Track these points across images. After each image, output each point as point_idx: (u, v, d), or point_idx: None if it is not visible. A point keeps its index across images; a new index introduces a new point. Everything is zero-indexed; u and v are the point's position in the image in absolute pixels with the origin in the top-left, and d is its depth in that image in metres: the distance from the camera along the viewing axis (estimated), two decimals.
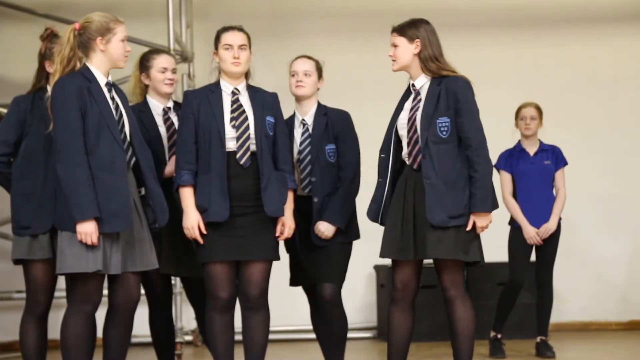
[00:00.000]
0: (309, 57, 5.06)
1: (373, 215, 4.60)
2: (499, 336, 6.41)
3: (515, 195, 6.43)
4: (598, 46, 8.14)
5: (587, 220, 7.97)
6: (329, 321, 4.95)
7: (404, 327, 4.54)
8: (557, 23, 8.14)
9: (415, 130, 4.44)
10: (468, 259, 4.40)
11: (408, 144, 4.47)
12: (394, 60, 4.56)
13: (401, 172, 4.55)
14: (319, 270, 4.90)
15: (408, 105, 4.55)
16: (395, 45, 4.54)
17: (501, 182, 6.47)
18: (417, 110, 4.47)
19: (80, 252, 4.13)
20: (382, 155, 4.59)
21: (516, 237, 6.40)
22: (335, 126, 4.99)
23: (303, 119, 5.00)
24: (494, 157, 6.51)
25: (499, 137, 6.90)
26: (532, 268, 6.52)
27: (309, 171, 4.92)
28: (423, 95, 4.49)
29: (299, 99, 5.01)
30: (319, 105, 5.04)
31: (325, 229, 4.85)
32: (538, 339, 6.39)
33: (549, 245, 6.36)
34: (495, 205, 4.51)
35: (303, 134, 4.97)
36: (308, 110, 5.02)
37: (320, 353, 5.11)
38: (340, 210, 4.87)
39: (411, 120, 4.46)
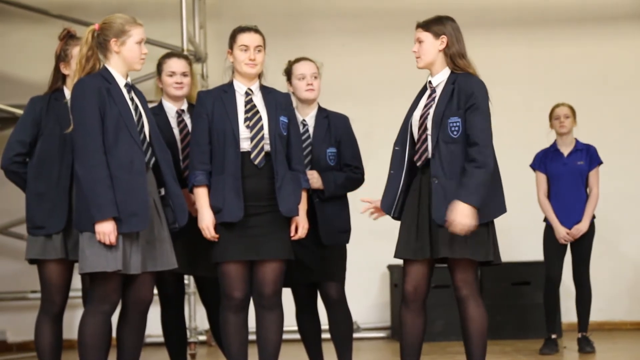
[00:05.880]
0: (311, 60, 5.06)
1: (387, 207, 4.52)
2: (553, 336, 6.51)
3: (549, 196, 6.53)
4: (613, 45, 8.11)
5: (601, 221, 7.93)
6: (335, 320, 4.96)
7: (417, 328, 4.49)
8: (571, 22, 8.12)
9: (425, 129, 4.39)
10: (479, 258, 4.34)
11: (417, 141, 4.43)
12: (418, 57, 4.46)
13: (416, 169, 4.50)
14: (323, 269, 4.90)
15: (422, 102, 4.49)
16: (420, 41, 4.45)
17: (536, 182, 6.60)
18: (430, 108, 4.41)
19: (100, 252, 4.14)
20: (397, 148, 4.52)
21: (549, 235, 6.53)
22: (338, 130, 5.00)
23: (304, 120, 5.00)
24: (505, 156, 6.56)
25: (512, 135, 6.92)
26: (545, 267, 6.55)
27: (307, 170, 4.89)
28: (438, 92, 4.43)
29: (306, 102, 5.00)
30: (320, 108, 5.05)
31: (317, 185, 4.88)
32: (579, 334, 6.56)
33: (583, 244, 6.49)
34: (488, 211, 4.28)
35: (303, 134, 4.96)
36: (309, 112, 5.03)
37: (331, 353, 5.10)
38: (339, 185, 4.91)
39: (423, 118, 4.41)
